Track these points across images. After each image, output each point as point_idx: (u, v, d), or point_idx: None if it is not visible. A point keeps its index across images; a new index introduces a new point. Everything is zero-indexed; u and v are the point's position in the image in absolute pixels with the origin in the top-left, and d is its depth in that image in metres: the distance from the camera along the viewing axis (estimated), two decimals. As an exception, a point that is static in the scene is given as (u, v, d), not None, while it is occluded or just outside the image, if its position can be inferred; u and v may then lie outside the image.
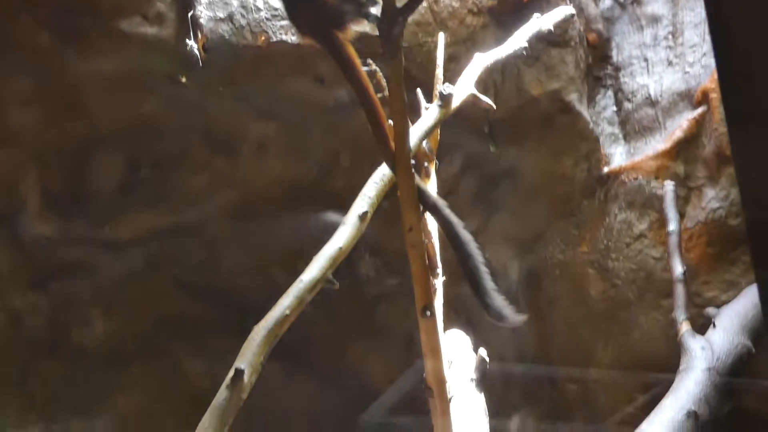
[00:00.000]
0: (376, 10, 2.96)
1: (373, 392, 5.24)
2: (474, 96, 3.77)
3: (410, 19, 3.04)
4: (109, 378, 5.19)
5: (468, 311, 4.45)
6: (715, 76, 4.53)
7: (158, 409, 5.11)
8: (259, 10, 4.57)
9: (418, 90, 3.65)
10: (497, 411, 4.31)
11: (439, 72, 3.75)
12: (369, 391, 5.28)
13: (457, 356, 3.98)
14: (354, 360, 5.53)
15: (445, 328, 3.64)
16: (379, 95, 3.12)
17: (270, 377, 5.09)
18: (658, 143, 4.79)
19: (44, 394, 5.18)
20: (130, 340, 5.24)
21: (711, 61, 4.70)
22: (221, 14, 4.53)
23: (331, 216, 4.83)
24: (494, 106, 3.90)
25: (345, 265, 3.40)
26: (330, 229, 3.32)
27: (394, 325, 5.31)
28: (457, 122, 3.91)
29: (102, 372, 5.18)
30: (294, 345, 5.09)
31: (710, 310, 4.42)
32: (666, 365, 4.33)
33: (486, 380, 3.96)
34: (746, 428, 4.25)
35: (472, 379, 3.93)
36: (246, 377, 3.03)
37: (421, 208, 3.13)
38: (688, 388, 4.09)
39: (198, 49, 4.48)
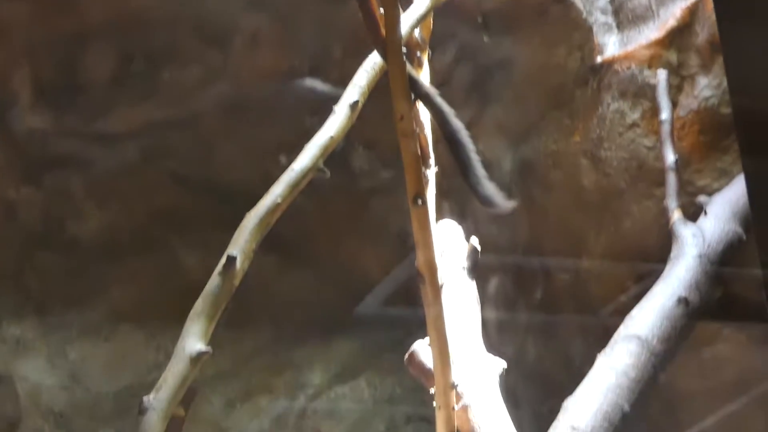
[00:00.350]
0: None
1: (367, 284, 5.28)
2: (466, -16, 3.75)
3: None
4: (105, 270, 5.23)
5: (461, 203, 4.47)
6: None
7: (154, 301, 5.15)
8: None
9: (410, -24, 3.62)
10: (489, 300, 4.36)
11: (432, -42, 3.72)
12: (363, 284, 5.31)
13: (449, 246, 4.01)
14: (348, 253, 5.56)
15: (438, 219, 3.67)
16: (370, -18, 3.10)
17: (264, 270, 5.16)
18: (651, 32, 4.75)
19: (40, 286, 5.23)
20: (125, 232, 5.27)
21: (705, -52, 4.66)
22: None
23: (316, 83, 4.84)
24: (487, -4, 3.88)
25: (338, 158, 3.40)
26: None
27: (388, 219, 5.33)
28: (450, 12, 3.89)
29: (97, 264, 5.22)
30: (288, 238, 5.15)
31: (702, 198, 4.41)
32: (658, 254, 4.34)
33: (477, 269, 4.00)
34: (736, 314, 4.28)
35: (463, 268, 3.96)
36: (238, 264, 3.05)
37: (413, 96, 3.13)
38: (678, 275, 4.10)
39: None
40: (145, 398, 2.88)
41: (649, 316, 3.99)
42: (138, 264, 5.26)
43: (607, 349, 3.94)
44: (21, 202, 5.18)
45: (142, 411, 2.86)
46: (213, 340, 3.35)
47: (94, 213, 5.26)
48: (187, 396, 4.14)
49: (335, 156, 3.41)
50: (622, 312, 4.16)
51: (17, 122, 5.07)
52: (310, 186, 3.53)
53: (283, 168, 3.21)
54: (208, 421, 5.22)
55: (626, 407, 3.76)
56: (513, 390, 4.67)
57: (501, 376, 3.78)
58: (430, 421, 3.71)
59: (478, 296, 3.97)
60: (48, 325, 5.21)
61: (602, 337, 4.07)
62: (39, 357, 5.20)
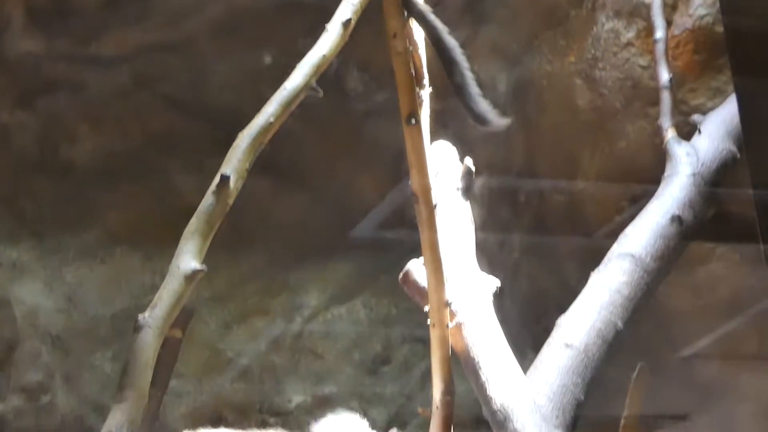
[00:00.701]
0: None
1: (362, 207, 5.29)
2: None
3: None
4: (100, 194, 5.23)
5: (456, 125, 4.45)
6: None
7: (149, 224, 5.16)
8: None
9: None
10: (483, 220, 4.36)
11: None
12: (358, 206, 5.32)
13: (444, 166, 4.01)
14: (343, 176, 5.56)
15: (432, 141, 3.66)
16: None
17: (259, 193, 5.16)
18: (646, -50, 4.73)
19: (35, 210, 5.23)
20: (120, 156, 5.26)
21: None
22: None
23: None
24: None
25: (333, 81, 3.39)
26: None
27: (383, 141, 5.31)
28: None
29: (92, 188, 5.22)
30: (283, 162, 5.14)
31: (696, 117, 4.40)
32: (653, 174, 4.34)
33: (472, 189, 4.00)
34: (729, 233, 4.29)
35: (458, 188, 3.96)
36: (232, 183, 3.05)
37: (406, 14, 3.11)
38: (672, 194, 4.11)
39: None
40: (140, 316, 2.89)
41: (642, 235, 4.00)
42: (133, 187, 5.27)
43: (601, 267, 3.95)
44: (15, 126, 5.18)
45: (137, 329, 2.87)
46: (209, 263, 3.35)
47: (88, 137, 5.26)
48: (184, 318, 4.18)
49: (329, 78, 3.40)
50: (616, 232, 4.17)
51: (10, 46, 5.06)
52: (304, 109, 3.52)
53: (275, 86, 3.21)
54: (204, 343, 5.25)
55: (619, 324, 3.78)
56: (508, 309, 4.70)
57: (495, 295, 3.80)
58: (426, 342, 3.73)
59: (472, 216, 3.98)
60: (44, 249, 5.22)
61: (596, 256, 4.08)
62: (36, 280, 5.22)
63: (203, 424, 3.80)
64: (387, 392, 5.29)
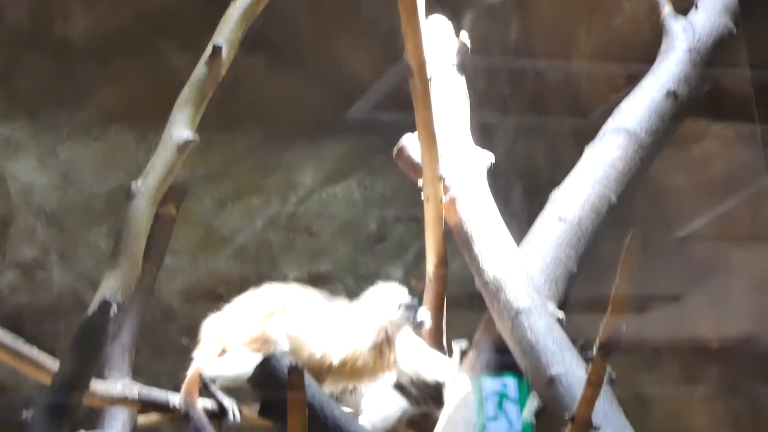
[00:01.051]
0: None
1: (357, 85, 5.26)
2: None
3: None
4: (94, 71, 5.19)
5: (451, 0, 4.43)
6: None
7: (143, 102, 5.12)
8: None
9: None
10: (479, 99, 4.35)
11: None
12: (354, 84, 5.29)
13: (439, 41, 4.00)
14: (339, 55, 5.52)
15: (428, 16, 3.64)
16: None
17: (253, 71, 5.13)
18: None
19: (29, 88, 5.20)
20: (113, 33, 5.22)
21: None
22: None
23: None
24: None
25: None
26: None
27: (380, 20, 5.28)
28: None
29: (86, 65, 5.18)
30: (278, 39, 5.11)
31: (693, -7, 4.38)
32: (649, 52, 4.32)
33: (467, 65, 3.99)
34: (724, 110, 4.28)
35: (453, 64, 3.96)
36: (224, 53, 3.04)
37: None
38: (668, 69, 4.09)
39: None
40: (132, 184, 2.91)
41: (637, 110, 4.00)
42: (127, 65, 5.22)
43: (595, 142, 3.96)
44: (7, 2, 5.12)
45: (130, 197, 2.89)
46: (203, 140, 3.35)
47: (82, 14, 5.21)
48: (178, 195, 4.18)
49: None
50: (612, 110, 4.16)
51: None
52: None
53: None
54: (199, 221, 5.24)
55: (613, 198, 3.79)
56: (503, 187, 4.71)
57: (489, 170, 3.81)
58: (420, 221, 3.75)
59: (467, 92, 3.97)
60: (38, 126, 5.19)
61: (592, 134, 4.08)
62: (30, 157, 5.20)
63: (198, 301, 3.82)
64: (382, 270, 5.30)
